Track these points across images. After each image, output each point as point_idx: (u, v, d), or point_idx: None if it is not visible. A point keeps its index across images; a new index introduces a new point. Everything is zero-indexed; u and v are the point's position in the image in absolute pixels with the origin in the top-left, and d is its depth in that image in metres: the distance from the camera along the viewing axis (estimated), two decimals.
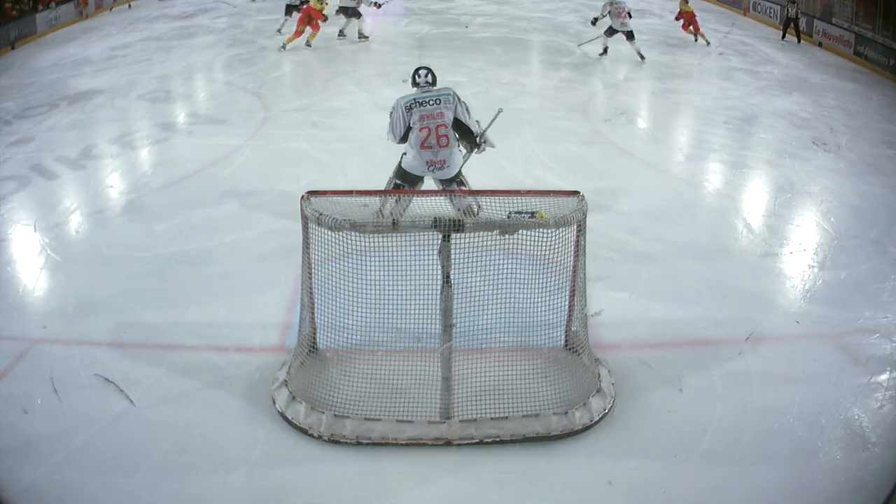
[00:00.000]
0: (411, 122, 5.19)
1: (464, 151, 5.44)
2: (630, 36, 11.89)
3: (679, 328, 4.69)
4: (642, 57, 11.98)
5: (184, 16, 16.20)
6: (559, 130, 8.32)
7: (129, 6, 18.01)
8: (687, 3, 13.52)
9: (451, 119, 5.21)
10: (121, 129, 8.70)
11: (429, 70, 5.46)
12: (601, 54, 12.25)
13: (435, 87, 5.40)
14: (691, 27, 13.63)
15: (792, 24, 14.30)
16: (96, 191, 6.98)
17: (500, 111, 5.46)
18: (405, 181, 5.28)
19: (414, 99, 5.24)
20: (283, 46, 12.35)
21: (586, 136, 8.52)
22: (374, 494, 3.44)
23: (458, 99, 5.30)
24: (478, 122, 5.38)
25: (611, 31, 12.06)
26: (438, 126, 5.16)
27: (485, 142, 5.41)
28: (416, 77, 5.42)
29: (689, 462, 3.61)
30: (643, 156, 7.84)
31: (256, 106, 9.56)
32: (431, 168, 5.24)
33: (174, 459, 3.59)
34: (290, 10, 13.51)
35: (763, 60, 12.75)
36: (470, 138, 5.36)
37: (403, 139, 5.29)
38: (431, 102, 5.20)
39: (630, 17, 11.90)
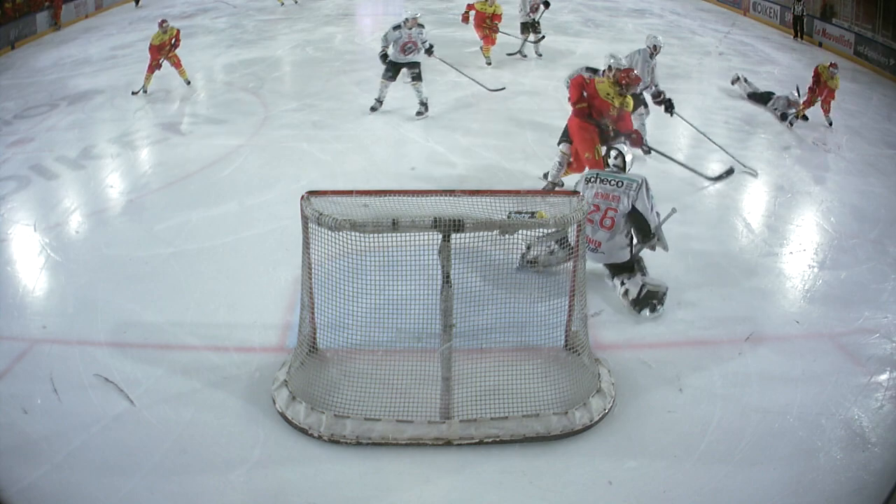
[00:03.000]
0: (586, 196, 4.80)
1: (634, 243, 5.04)
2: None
3: (679, 328, 4.69)
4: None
5: (184, 16, 16.20)
6: (559, 130, 8.30)
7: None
8: (834, 77, 8.90)
9: (628, 208, 4.86)
10: (121, 129, 8.71)
11: (620, 153, 5.13)
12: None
13: (625, 173, 5.03)
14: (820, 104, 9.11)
15: (798, 23, 14.34)
16: (96, 191, 6.98)
17: (673, 211, 4.93)
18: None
19: (597, 174, 4.98)
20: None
21: None
22: (374, 494, 3.44)
23: (646, 189, 4.89)
24: (658, 213, 4.96)
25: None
26: (608, 209, 4.86)
27: (658, 239, 4.96)
28: (607, 157, 5.13)
29: (689, 462, 3.61)
30: (643, 156, 7.84)
31: (256, 106, 9.56)
32: (588, 246, 4.80)
33: (174, 459, 3.59)
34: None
35: (763, 60, 12.75)
36: (644, 230, 4.94)
37: None
38: (613, 183, 4.91)
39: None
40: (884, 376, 4.28)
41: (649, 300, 4.75)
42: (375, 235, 3.58)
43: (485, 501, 3.42)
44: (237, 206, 6.40)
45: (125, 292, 5.04)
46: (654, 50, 7.83)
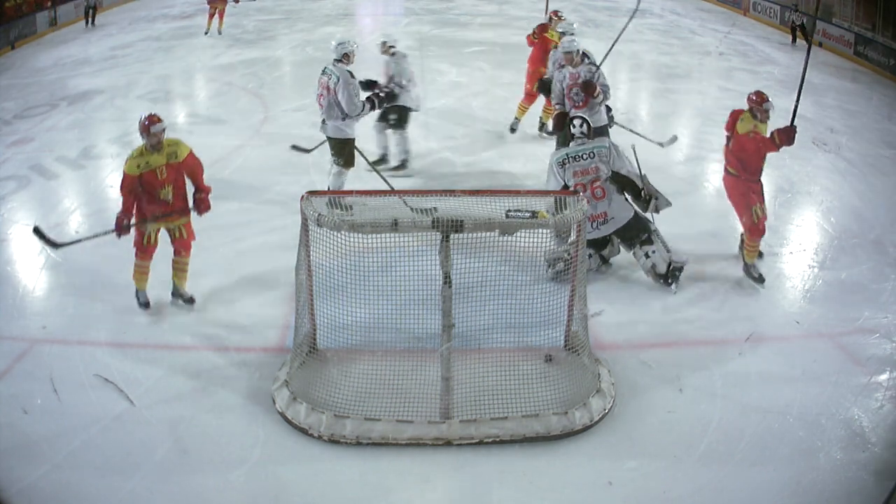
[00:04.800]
0: (566, 179, 4.94)
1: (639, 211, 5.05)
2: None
3: (679, 328, 4.69)
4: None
5: (184, 16, 16.19)
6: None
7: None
8: None
9: (608, 173, 4.99)
10: (121, 129, 8.69)
11: (584, 120, 5.13)
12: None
13: (591, 140, 5.07)
14: None
15: (799, 30, 14.32)
16: (96, 191, 6.99)
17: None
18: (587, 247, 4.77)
19: (566, 154, 5.00)
20: None
21: None
22: (374, 494, 3.45)
23: (616, 150, 5.02)
24: (638, 167, 5.06)
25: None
26: (593, 181, 4.93)
27: (655, 198, 5.04)
28: (571, 128, 5.07)
29: (689, 462, 3.61)
30: (644, 156, 7.82)
31: (256, 106, 9.56)
32: (595, 224, 4.93)
33: (174, 459, 3.60)
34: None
35: (763, 60, 12.74)
36: (634, 188, 5.04)
37: None
38: (585, 157, 4.95)
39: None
40: (884, 376, 4.28)
41: (676, 273, 5.00)
42: (375, 236, 3.58)
43: (485, 501, 3.42)
44: (237, 207, 6.39)
45: (125, 292, 5.03)
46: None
